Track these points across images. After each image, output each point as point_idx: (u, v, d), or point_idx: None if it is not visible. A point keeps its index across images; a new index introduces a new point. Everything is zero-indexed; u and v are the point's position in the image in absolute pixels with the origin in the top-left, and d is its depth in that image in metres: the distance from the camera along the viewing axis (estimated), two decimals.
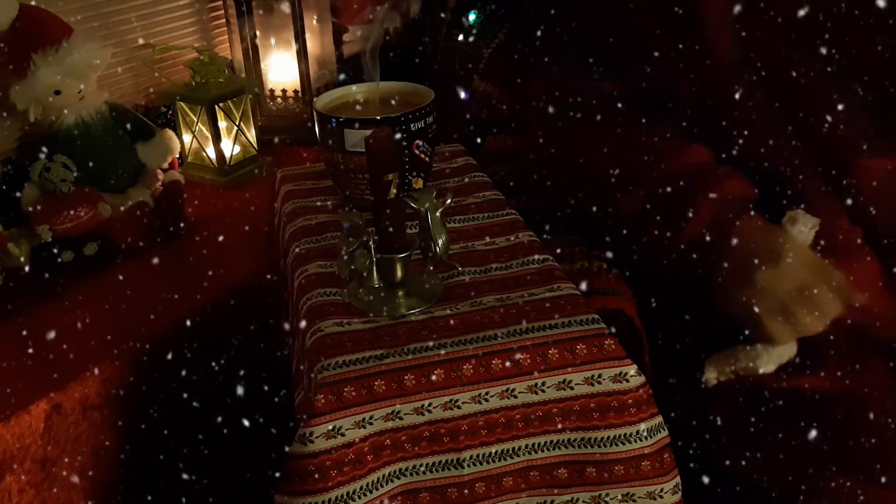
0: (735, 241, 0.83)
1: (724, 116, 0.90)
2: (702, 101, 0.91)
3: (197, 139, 1.40)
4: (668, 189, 0.88)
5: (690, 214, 0.85)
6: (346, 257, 0.80)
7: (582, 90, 0.96)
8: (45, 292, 1.08)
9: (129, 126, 1.27)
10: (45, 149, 1.19)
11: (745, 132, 0.89)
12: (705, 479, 0.85)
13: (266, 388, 1.17)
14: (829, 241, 0.88)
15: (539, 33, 1.02)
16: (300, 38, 1.48)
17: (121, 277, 1.13)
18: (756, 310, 0.81)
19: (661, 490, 0.76)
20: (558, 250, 0.99)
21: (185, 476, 1.17)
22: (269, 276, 1.17)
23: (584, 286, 0.89)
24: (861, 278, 0.85)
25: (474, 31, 1.29)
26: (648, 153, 0.91)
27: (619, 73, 0.94)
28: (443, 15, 1.40)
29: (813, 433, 0.80)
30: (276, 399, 1.11)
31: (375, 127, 0.88)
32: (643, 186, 0.90)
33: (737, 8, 0.87)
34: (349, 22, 1.62)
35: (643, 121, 0.95)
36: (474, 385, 0.73)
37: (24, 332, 1.02)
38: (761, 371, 0.85)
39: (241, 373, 1.19)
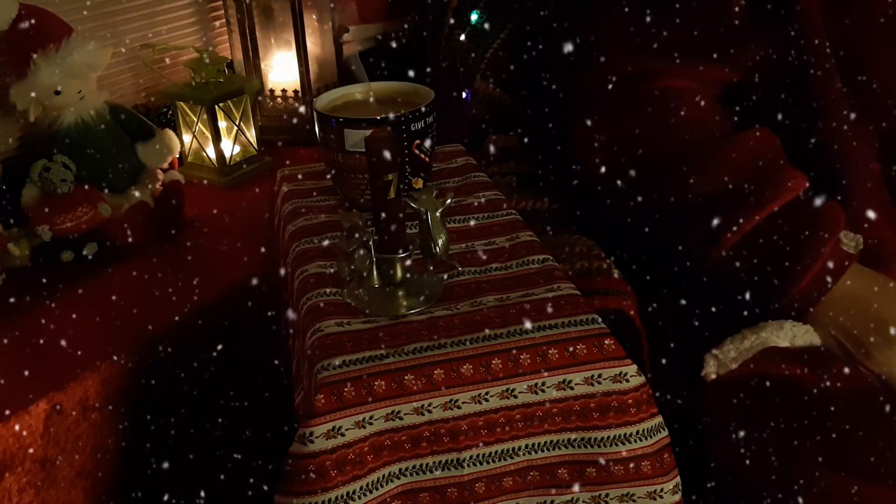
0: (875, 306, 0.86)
1: (806, 104, 0.91)
2: (788, 90, 0.92)
3: (197, 139, 1.40)
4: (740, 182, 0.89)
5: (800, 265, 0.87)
6: (346, 257, 0.80)
7: (668, 73, 0.95)
8: (45, 292, 1.08)
9: (129, 126, 1.27)
10: (44, 149, 1.19)
11: (820, 123, 0.90)
12: (705, 478, 0.85)
13: (266, 387, 1.17)
14: (878, 250, 0.89)
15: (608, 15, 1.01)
16: (300, 38, 1.47)
17: (121, 277, 1.13)
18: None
19: (661, 490, 0.76)
20: (558, 249, 0.99)
21: (185, 476, 1.17)
22: (268, 276, 1.17)
23: (584, 286, 0.89)
24: None
25: (476, 31, 1.29)
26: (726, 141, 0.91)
27: (710, 58, 0.94)
28: (444, 15, 1.40)
29: (812, 431, 0.80)
30: (276, 399, 1.11)
31: (375, 127, 0.88)
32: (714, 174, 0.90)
33: None
34: (349, 22, 1.62)
35: (722, 108, 0.95)
36: (474, 385, 0.73)
37: (25, 332, 1.01)
38: (780, 344, 0.87)
39: (241, 373, 1.19)
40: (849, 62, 0.89)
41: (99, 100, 1.24)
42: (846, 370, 0.86)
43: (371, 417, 0.71)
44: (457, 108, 1.31)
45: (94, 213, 1.16)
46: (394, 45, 1.67)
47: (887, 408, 0.82)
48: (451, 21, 1.34)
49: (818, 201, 0.90)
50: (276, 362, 1.13)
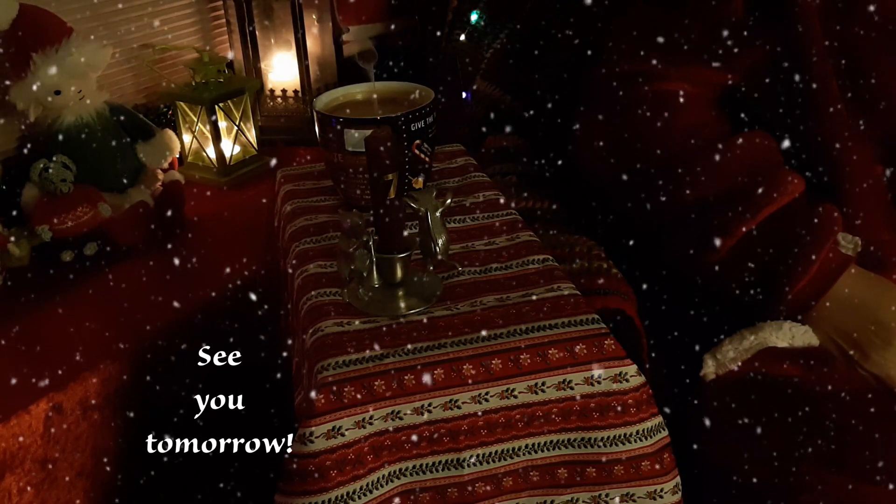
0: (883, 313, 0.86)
1: (802, 107, 0.91)
2: (786, 93, 0.92)
3: (197, 139, 1.40)
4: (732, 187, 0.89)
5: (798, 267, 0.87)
6: (346, 257, 0.80)
7: (667, 74, 0.95)
8: (45, 292, 1.08)
9: (129, 126, 1.27)
10: (44, 149, 1.19)
11: (818, 126, 0.90)
12: (704, 478, 0.85)
13: (266, 388, 1.17)
14: (876, 254, 0.89)
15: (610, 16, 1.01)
16: (300, 38, 1.47)
17: (121, 277, 1.13)
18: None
19: (661, 490, 0.76)
20: (558, 249, 0.99)
21: (185, 476, 1.17)
22: (269, 276, 1.17)
23: (584, 286, 0.89)
24: None
25: (476, 31, 1.30)
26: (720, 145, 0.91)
27: (708, 62, 0.94)
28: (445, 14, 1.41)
29: (810, 432, 0.81)
30: (276, 399, 1.11)
31: (375, 127, 0.88)
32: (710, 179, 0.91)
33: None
34: (349, 22, 1.62)
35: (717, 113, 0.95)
36: (474, 385, 0.73)
37: (25, 332, 1.01)
38: (778, 345, 0.87)
39: (241, 373, 1.19)
40: (849, 66, 0.89)
41: (99, 100, 1.24)
42: (844, 371, 0.86)
43: (371, 417, 0.72)
44: (457, 108, 1.31)
45: (94, 213, 1.16)
46: (394, 45, 1.67)
47: (885, 408, 0.82)
48: (451, 21, 1.34)
49: (815, 204, 0.90)
50: (277, 362, 1.13)
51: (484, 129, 1.23)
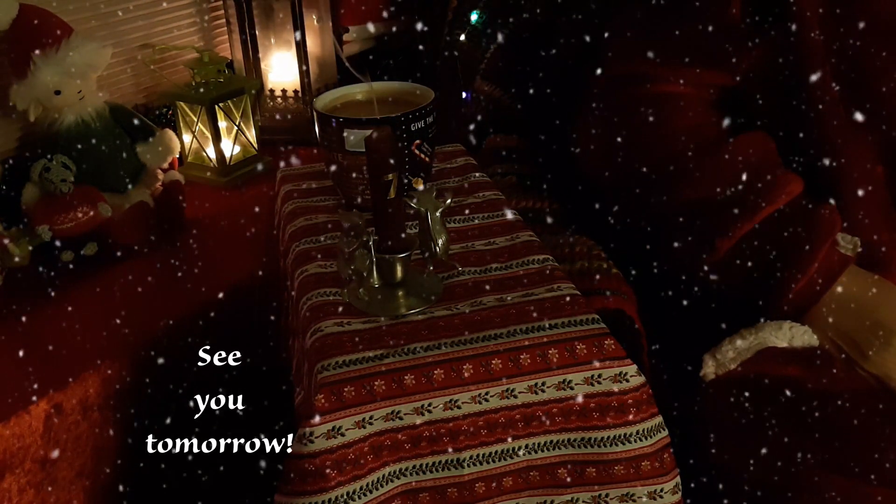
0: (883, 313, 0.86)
1: (801, 108, 0.91)
2: (785, 94, 0.92)
3: (197, 139, 1.40)
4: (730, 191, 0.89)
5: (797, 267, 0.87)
6: (346, 257, 0.80)
7: (664, 75, 0.95)
8: (45, 292, 1.08)
9: (129, 126, 1.27)
10: (44, 149, 1.19)
11: (817, 127, 0.90)
12: (704, 478, 0.85)
13: (266, 387, 1.17)
14: (876, 254, 0.89)
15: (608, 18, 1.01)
16: (300, 38, 1.47)
17: (121, 277, 1.13)
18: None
19: (661, 490, 0.76)
20: (558, 249, 0.99)
21: (185, 475, 1.17)
22: (269, 276, 1.17)
23: (584, 286, 0.89)
24: None
25: (476, 31, 1.30)
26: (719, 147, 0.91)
27: (706, 63, 0.94)
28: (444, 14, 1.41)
29: (810, 432, 0.81)
30: (276, 399, 1.11)
31: (375, 127, 0.88)
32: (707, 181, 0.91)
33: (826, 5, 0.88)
34: (349, 22, 1.62)
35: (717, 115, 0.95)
36: (474, 385, 0.73)
37: (25, 332, 1.02)
38: (778, 345, 0.87)
39: (241, 372, 1.20)
40: (848, 66, 0.89)
41: (99, 100, 1.24)
42: (844, 371, 0.86)
43: (371, 417, 0.72)
44: (457, 108, 1.31)
45: (94, 213, 1.16)
46: (394, 45, 1.67)
47: (885, 408, 0.82)
48: (451, 21, 1.34)
49: (815, 204, 0.90)
50: (276, 362, 1.13)
51: (484, 129, 1.23)
